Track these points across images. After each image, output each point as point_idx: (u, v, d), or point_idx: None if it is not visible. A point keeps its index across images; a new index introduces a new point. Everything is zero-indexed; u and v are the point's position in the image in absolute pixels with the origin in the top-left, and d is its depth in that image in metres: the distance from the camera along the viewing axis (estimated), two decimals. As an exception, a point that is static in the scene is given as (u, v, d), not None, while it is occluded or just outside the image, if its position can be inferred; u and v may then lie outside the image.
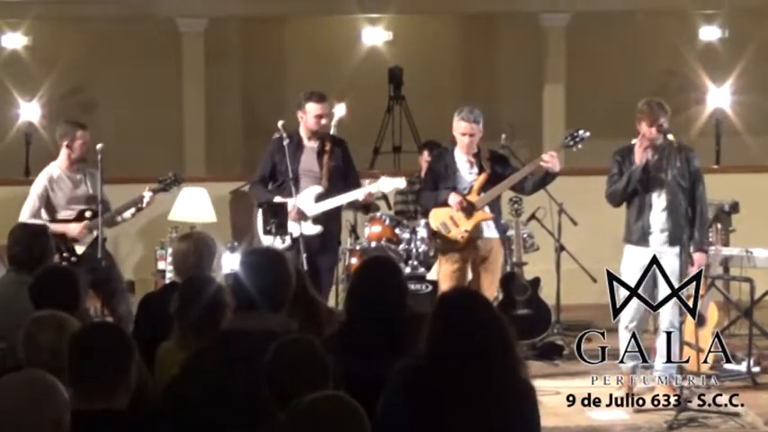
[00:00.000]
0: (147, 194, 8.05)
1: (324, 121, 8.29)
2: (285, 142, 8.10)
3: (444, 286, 8.12)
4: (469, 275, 8.27)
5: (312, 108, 8.20)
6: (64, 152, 8.01)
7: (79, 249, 7.97)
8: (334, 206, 8.20)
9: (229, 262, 8.94)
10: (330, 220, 8.25)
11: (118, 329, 4.09)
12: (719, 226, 9.23)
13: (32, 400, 3.28)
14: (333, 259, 8.43)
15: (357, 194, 8.18)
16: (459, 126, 8.15)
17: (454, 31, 15.20)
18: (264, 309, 4.37)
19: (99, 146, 7.87)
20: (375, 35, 14.59)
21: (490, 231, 8.26)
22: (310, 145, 8.27)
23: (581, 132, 8.24)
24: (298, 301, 4.77)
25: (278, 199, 8.10)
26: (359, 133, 12.19)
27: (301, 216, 8.02)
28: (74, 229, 7.92)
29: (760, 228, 10.02)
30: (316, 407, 3.19)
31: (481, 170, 8.20)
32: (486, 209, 8.20)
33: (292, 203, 8.05)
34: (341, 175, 8.26)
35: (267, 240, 7.99)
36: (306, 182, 8.20)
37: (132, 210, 8.11)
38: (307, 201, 8.14)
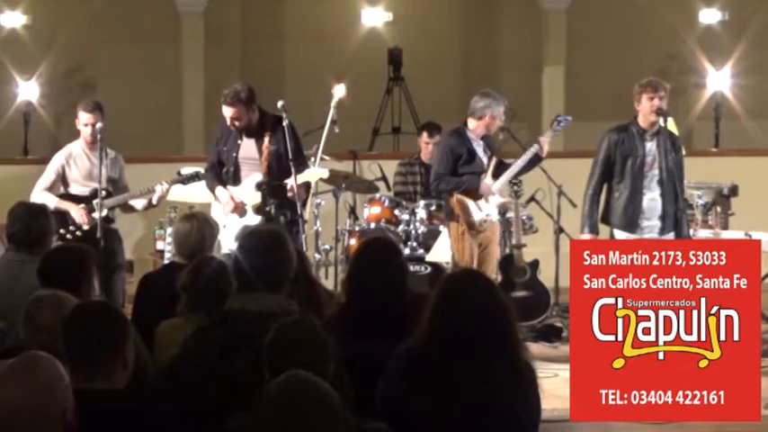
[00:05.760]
0: (160, 187, 7.97)
1: (237, 123, 7.60)
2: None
3: (464, 264, 8.18)
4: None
5: (223, 110, 7.65)
6: (81, 133, 8.11)
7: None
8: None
9: (226, 242, 8.90)
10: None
11: (111, 307, 4.06)
12: (719, 209, 9.23)
13: (40, 393, 3.27)
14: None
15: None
16: (500, 113, 8.30)
17: (454, 13, 15.16)
18: (264, 289, 4.37)
19: (98, 125, 7.89)
20: (375, 16, 14.57)
21: (490, 214, 8.38)
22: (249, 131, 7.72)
23: (562, 117, 8.59)
24: (298, 283, 4.77)
25: (219, 190, 7.77)
26: (358, 114, 12.18)
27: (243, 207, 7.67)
28: (74, 211, 7.91)
29: (759, 211, 10.03)
30: (282, 392, 3.15)
31: (491, 152, 8.35)
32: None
33: (227, 195, 7.74)
34: (282, 158, 7.56)
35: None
36: (247, 170, 7.72)
37: (144, 202, 8.10)
38: (247, 190, 7.74)
